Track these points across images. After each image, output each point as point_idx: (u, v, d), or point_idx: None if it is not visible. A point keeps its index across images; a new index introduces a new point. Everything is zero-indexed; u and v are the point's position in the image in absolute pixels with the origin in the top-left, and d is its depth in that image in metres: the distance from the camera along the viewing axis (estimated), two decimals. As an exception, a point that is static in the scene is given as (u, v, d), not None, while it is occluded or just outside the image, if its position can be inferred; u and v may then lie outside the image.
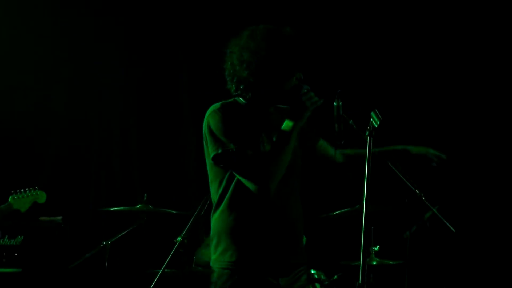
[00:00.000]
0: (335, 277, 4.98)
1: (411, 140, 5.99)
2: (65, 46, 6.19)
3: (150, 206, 4.94)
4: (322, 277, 4.98)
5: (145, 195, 5.01)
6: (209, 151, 3.04)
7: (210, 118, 3.09)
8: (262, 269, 3.00)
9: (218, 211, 3.06)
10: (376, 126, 3.03)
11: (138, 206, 4.96)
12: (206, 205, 3.78)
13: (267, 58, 3.03)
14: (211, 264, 3.08)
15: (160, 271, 3.58)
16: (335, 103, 3.37)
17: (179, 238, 3.70)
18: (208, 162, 3.11)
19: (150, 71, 6.37)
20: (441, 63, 6.22)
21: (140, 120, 6.33)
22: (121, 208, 5.06)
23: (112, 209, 5.05)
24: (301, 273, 3.15)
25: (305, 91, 3.02)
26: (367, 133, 2.98)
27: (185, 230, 3.68)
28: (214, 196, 3.09)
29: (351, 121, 3.30)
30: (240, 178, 2.97)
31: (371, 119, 2.99)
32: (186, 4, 6.46)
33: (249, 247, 2.99)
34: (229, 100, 3.18)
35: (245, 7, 6.36)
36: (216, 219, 3.07)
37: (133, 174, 6.25)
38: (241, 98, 3.17)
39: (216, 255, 3.05)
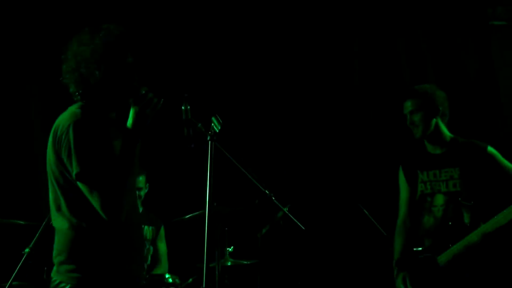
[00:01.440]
0: (190, 280, 4.97)
1: (258, 142, 6.18)
2: None
3: (-4, 217, 4.76)
4: (177, 280, 4.95)
5: (-10, 206, 4.83)
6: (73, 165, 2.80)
7: (72, 130, 2.83)
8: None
9: (70, 225, 2.88)
10: (217, 131, 3.06)
11: (-17, 217, 4.76)
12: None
13: (103, 59, 2.94)
14: (52, 275, 2.94)
15: (8, 284, 3.44)
16: (183, 107, 3.38)
17: (27, 249, 3.55)
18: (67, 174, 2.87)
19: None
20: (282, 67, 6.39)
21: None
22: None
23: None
24: None
25: (143, 92, 2.91)
26: (208, 137, 3.00)
27: (33, 240, 3.54)
28: (70, 208, 2.89)
29: (199, 125, 3.31)
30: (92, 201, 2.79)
31: (212, 124, 3.01)
32: (34, 9, 6.27)
33: (96, 268, 2.86)
34: (77, 106, 2.98)
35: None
36: (66, 233, 2.89)
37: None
38: (83, 103, 3.00)
39: (62, 269, 2.89)
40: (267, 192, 4.81)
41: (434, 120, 4.40)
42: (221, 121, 3.04)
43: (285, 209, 4.91)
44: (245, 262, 5.06)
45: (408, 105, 4.45)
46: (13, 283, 3.44)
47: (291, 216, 4.92)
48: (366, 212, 5.09)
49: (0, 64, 6.13)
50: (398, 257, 4.49)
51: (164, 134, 6.07)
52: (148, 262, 5.74)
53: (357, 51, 6.38)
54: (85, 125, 2.84)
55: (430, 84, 4.66)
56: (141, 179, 5.59)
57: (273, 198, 4.83)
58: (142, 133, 2.90)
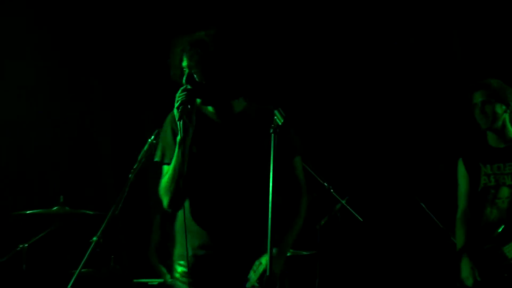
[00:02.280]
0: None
1: (317, 135, 6.15)
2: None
3: (67, 208, 4.85)
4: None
5: (61, 197, 4.91)
6: None
7: None
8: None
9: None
10: (280, 124, 3.07)
11: (54, 208, 4.85)
12: (120, 205, 3.73)
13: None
14: None
15: (77, 271, 3.50)
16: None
17: (94, 238, 3.62)
18: None
19: (63, 75, 6.26)
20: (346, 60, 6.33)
21: (55, 122, 6.19)
22: (37, 211, 4.93)
23: (28, 212, 4.93)
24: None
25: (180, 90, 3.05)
26: (271, 130, 3.01)
27: (100, 229, 3.61)
28: None
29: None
30: None
31: (275, 117, 3.03)
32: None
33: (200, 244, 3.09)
34: None
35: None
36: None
37: (49, 176, 6.12)
38: None
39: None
40: (326, 184, 4.83)
41: (504, 115, 4.38)
42: (284, 114, 3.04)
43: (343, 201, 4.92)
44: (304, 253, 5.06)
45: (480, 95, 4.42)
46: (82, 270, 3.50)
47: (349, 208, 4.92)
48: (423, 205, 5.04)
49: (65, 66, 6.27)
50: (462, 248, 4.45)
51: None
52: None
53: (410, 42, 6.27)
54: (165, 123, 3.23)
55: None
56: None
57: (332, 190, 4.85)
58: (182, 135, 3.02)
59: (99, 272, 4.83)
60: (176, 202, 3.10)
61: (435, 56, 6.19)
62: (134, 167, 3.68)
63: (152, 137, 3.74)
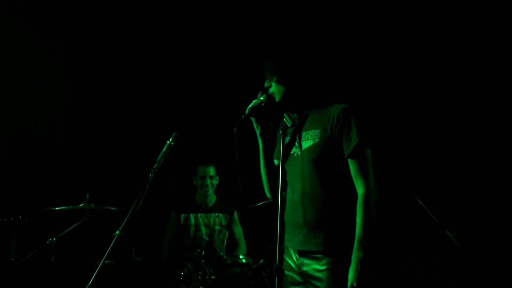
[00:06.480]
0: (262, 261, 4.91)
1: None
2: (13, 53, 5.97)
3: (92, 204, 4.82)
4: (250, 261, 4.92)
5: (87, 194, 4.87)
6: None
7: None
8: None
9: None
10: (289, 126, 3.06)
11: (81, 204, 4.81)
12: (141, 201, 3.64)
13: None
14: None
15: (101, 262, 3.43)
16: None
17: (117, 232, 3.54)
18: None
19: (91, 78, 6.22)
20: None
21: (83, 126, 6.17)
22: (66, 207, 4.89)
23: (57, 208, 4.88)
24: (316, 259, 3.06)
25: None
26: (280, 131, 3.01)
27: (123, 224, 3.53)
28: None
29: (270, 123, 3.28)
30: None
31: (284, 119, 3.03)
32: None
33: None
34: None
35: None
36: None
37: (77, 176, 6.09)
38: None
39: None
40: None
41: None
42: (292, 117, 3.00)
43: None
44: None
45: None
46: (106, 261, 3.43)
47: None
48: (420, 201, 4.90)
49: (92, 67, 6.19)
50: None
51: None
52: (225, 245, 5.70)
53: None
54: None
55: None
56: (211, 170, 5.58)
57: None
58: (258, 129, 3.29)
59: (121, 264, 4.75)
60: (267, 188, 3.39)
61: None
62: (154, 166, 3.62)
63: (170, 139, 3.68)
